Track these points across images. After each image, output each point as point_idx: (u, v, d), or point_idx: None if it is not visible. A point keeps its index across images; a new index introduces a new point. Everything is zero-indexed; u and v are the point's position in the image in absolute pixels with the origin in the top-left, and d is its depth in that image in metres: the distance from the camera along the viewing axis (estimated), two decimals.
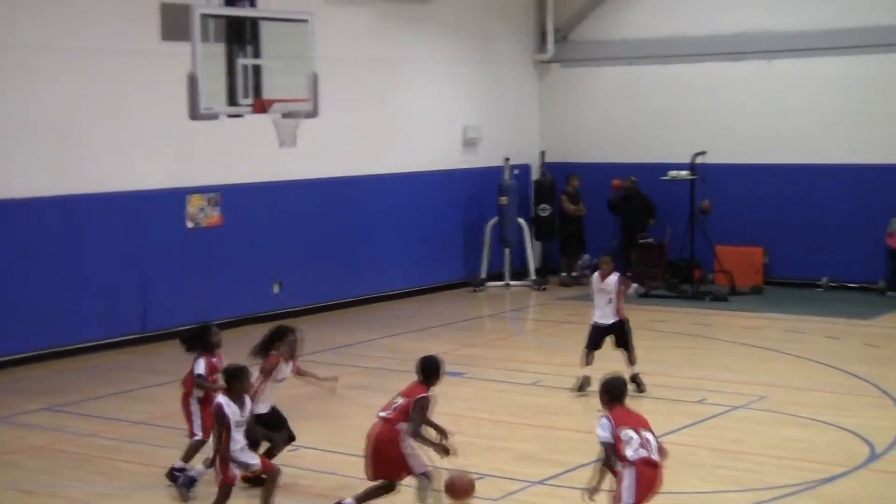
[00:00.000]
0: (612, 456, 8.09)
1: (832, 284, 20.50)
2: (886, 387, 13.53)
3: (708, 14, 21.60)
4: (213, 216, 17.61)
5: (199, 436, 10.51)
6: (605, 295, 13.38)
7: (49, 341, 15.78)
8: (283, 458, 11.05)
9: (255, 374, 9.80)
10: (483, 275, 21.63)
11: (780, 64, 21.00)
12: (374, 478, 9.14)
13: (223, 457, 8.84)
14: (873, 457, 10.93)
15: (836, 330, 17.25)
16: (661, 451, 8.22)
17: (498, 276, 21.79)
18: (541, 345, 16.81)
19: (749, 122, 21.21)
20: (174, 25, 15.27)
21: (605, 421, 8.18)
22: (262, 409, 10.22)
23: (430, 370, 9.13)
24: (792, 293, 20.23)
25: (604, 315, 13.37)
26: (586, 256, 22.33)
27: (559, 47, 23.15)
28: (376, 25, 20.23)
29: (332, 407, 13.09)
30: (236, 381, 9.00)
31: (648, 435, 8.15)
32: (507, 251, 21.82)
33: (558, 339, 16.95)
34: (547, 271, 22.42)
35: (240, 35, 12.61)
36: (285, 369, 10.49)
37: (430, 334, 17.50)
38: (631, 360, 13.28)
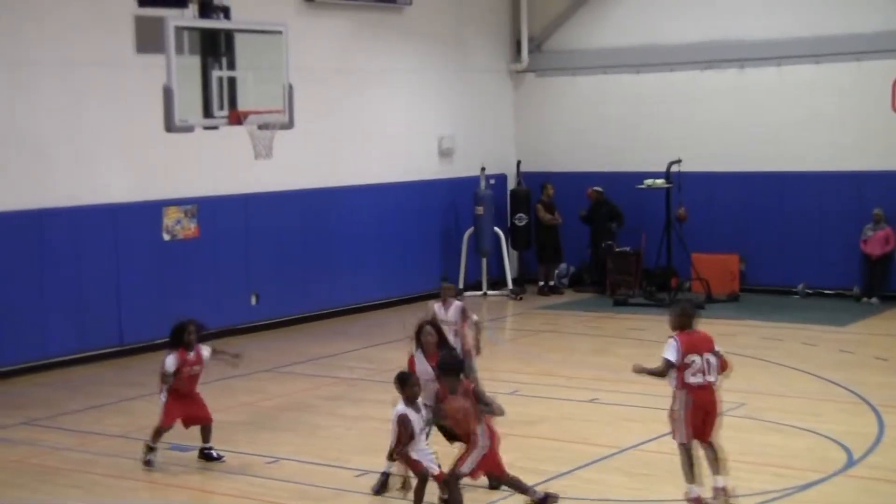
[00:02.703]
0: (670, 376, 9.18)
1: (808, 291, 20.58)
2: (863, 392, 13.57)
3: (681, 23, 21.69)
4: (190, 228, 17.55)
5: (165, 423, 11.12)
6: (448, 327, 11.66)
7: (24, 356, 15.67)
8: (259, 470, 11.05)
9: None
10: (460, 284, 21.62)
11: (753, 72, 21.11)
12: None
13: (402, 456, 9.19)
14: (851, 463, 10.96)
15: (812, 336, 17.30)
16: (725, 366, 9.27)
17: (475, 286, 21.79)
18: (518, 354, 16.79)
19: (723, 130, 21.29)
20: (149, 38, 15.20)
21: (674, 343, 9.13)
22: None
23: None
24: (768, 300, 20.30)
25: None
26: (563, 265, 22.38)
27: (534, 57, 23.20)
28: (351, 35, 20.22)
29: (310, 417, 13.07)
30: (406, 388, 9.29)
31: (710, 357, 9.18)
32: (483, 260, 21.83)
33: (536, 349, 16.94)
34: (524, 280, 22.44)
35: (214, 47, 12.57)
36: (422, 365, 10.45)
37: (408, 344, 17.39)
38: None
